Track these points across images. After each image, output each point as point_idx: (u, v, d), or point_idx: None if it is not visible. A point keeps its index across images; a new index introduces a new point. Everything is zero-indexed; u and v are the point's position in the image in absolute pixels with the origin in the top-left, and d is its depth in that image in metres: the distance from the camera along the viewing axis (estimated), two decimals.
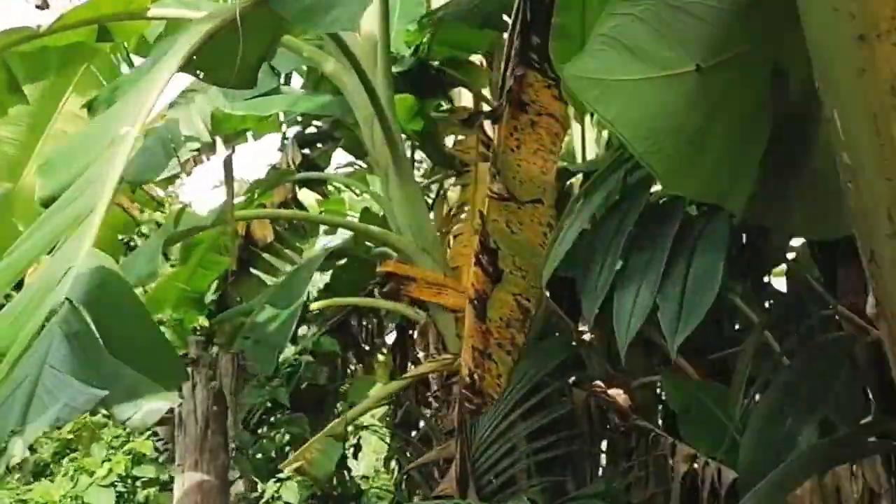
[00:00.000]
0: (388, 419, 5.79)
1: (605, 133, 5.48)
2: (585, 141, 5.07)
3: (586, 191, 3.22)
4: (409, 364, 5.65)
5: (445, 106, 5.42)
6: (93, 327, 2.02)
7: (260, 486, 3.62)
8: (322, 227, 7.86)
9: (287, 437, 3.75)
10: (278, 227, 7.00)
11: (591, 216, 3.16)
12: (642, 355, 5.27)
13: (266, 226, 6.91)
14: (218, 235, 6.27)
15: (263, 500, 3.39)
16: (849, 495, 3.71)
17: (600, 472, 4.86)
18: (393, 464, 5.59)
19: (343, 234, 9.07)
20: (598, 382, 4.64)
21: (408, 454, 5.51)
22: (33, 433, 1.73)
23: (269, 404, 4.24)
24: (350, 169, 7.25)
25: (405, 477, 5.38)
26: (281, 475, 3.44)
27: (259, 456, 3.63)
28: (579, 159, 5.22)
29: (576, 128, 5.14)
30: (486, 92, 5.33)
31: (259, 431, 3.64)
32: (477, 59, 5.43)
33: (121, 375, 1.91)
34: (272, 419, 3.74)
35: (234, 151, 4.75)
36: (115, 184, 2.26)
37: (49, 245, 2.29)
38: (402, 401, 5.52)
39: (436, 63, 5.20)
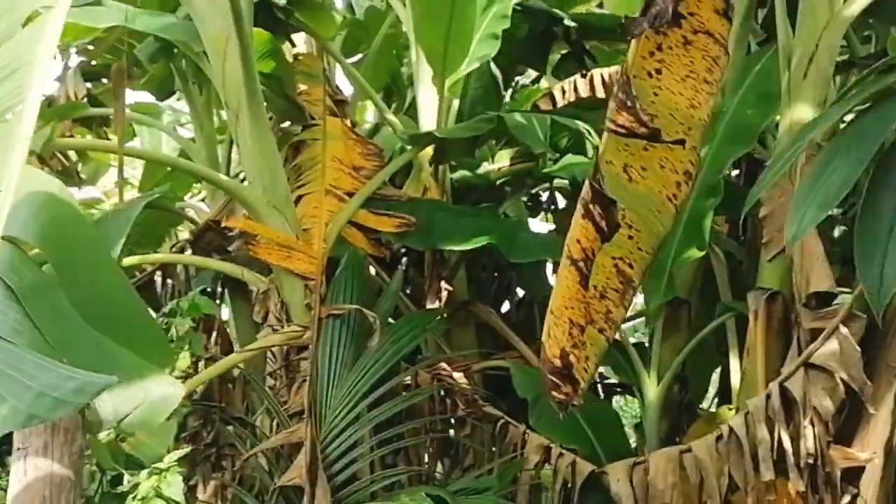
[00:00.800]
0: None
1: (455, 102, 5.22)
2: (441, 108, 4.76)
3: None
4: (214, 335, 5.05)
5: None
6: (55, 280, 1.42)
7: (127, 479, 2.93)
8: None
9: None
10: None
11: None
12: (473, 337, 5.08)
13: None
14: None
15: (136, 496, 2.72)
16: (713, 489, 3.75)
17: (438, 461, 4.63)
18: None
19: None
20: (444, 365, 4.38)
21: (206, 434, 4.94)
22: None
23: None
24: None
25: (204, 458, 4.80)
26: (160, 465, 2.78)
27: (118, 440, 2.94)
28: (426, 124, 4.90)
29: (430, 94, 4.82)
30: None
31: None
32: None
33: (106, 351, 1.33)
34: None
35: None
36: (49, 68, 1.63)
37: None
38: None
39: (282, 2, 4.65)
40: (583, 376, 2.78)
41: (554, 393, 2.75)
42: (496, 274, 6.17)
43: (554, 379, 2.74)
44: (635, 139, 2.57)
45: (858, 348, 3.38)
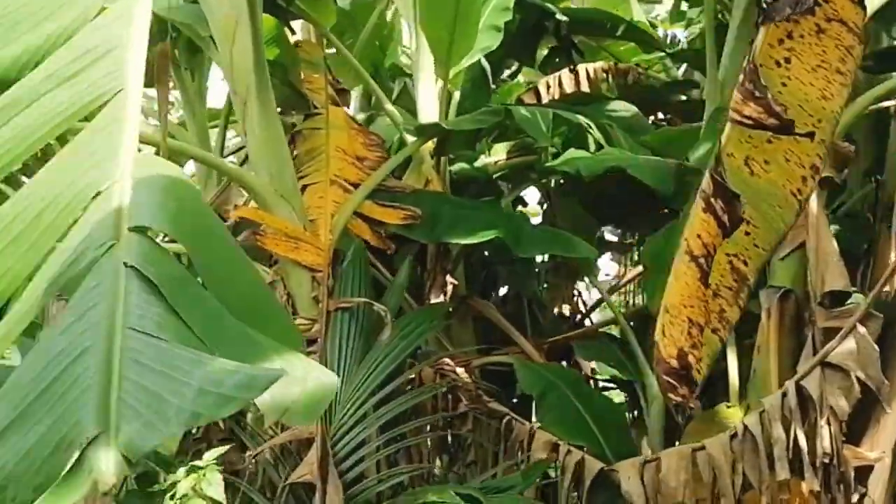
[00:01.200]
0: None
1: (456, 94, 5.16)
2: (443, 99, 4.69)
3: None
4: None
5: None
6: (191, 269, 1.32)
7: (163, 477, 2.78)
8: None
9: None
10: None
11: None
12: (472, 332, 5.02)
13: None
14: None
15: (175, 496, 2.56)
16: (727, 488, 3.75)
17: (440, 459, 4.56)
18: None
19: None
20: (447, 360, 4.32)
21: (195, 428, 4.78)
22: (140, 444, 1.01)
23: None
24: None
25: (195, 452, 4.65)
26: (197, 463, 2.63)
27: None
28: (426, 116, 4.82)
29: (430, 85, 4.75)
30: None
31: None
32: None
33: (252, 341, 1.24)
34: None
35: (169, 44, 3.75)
36: (144, 50, 1.52)
37: (38, 144, 1.47)
38: None
39: None
40: (697, 378, 2.71)
41: (670, 395, 2.68)
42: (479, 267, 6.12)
43: (670, 380, 2.65)
44: (762, 130, 2.48)
45: (877, 347, 3.42)
